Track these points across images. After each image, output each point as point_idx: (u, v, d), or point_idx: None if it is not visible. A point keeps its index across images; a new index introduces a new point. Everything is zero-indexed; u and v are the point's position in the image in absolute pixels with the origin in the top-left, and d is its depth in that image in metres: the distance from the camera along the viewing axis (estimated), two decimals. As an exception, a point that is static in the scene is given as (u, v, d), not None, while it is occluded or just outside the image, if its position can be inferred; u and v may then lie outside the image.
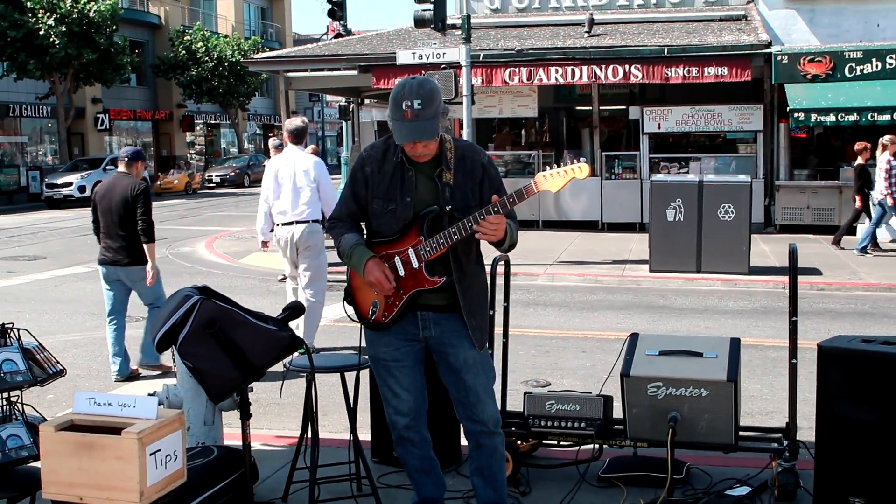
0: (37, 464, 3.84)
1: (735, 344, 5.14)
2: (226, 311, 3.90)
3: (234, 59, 42.86)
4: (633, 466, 5.29)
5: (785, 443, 5.03)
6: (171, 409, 3.74)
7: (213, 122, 51.33)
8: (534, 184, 4.03)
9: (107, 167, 32.86)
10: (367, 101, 25.13)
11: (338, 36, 25.49)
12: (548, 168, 4.08)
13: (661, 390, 5.00)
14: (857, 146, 16.11)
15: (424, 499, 4.46)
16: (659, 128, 19.92)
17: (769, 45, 18.58)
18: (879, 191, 15.43)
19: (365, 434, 5.67)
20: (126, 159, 8.48)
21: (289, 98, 22.77)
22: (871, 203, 15.83)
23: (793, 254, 5.06)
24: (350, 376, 5.07)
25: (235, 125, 50.08)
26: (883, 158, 15.36)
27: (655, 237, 14.37)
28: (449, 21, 16.17)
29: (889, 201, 15.23)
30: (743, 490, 4.95)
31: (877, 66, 17.97)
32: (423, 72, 18.84)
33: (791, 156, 19.55)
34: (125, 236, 8.14)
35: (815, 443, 4.87)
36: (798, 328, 5.11)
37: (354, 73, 20.69)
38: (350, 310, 4.36)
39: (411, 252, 4.13)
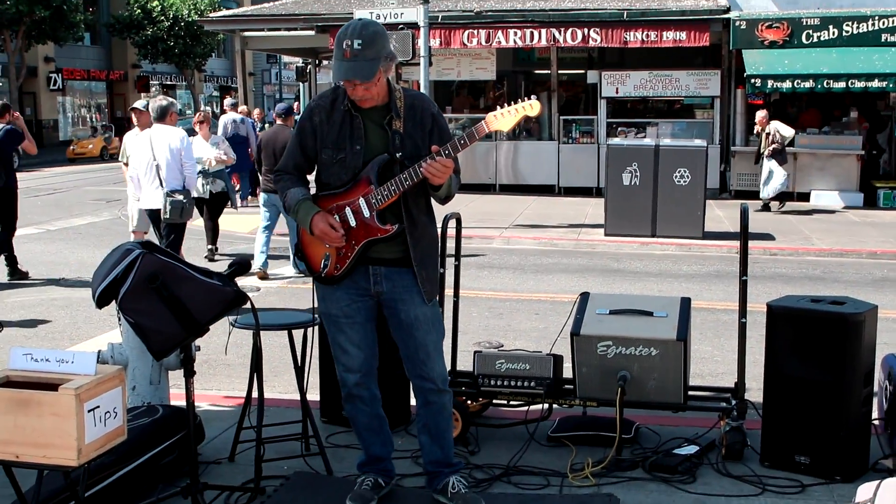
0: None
1: (685, 303, 5.14)
2: (168, 265, 3.80)
3: (190, 19, 42.06)
4: (582, 426, 5.29)
5: (733, 402, 5.05)
6: (111, 366, 3.65)
7: (168, 83, 50.51)
8: (485, 123, 3.99)
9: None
10: (324, 62, 24.82)
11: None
12: (498, 108, 4.02)
13: (611, 349, 5.00)
14: None
15: (372, 457, 4.42)
16: (617, 92, 19.89)
17: (728, 10, 18.57)
18: None
19: (314, 395, 5.63)
20: (282, 115, 11.52)
21: (245, 58, 22.44)
22: None
23: (744, 213, 5.09)
24: (298, 335, 5.01)
25: (192, 86, 49.33)
26: None
27: (611, 201, 14.39)
28: (407, -19, 15.96)
29: None
30: (691, 449, 4.97)
31: (833, 34, 18.02)
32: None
33: (747, 122, 19.62)
34: None
35: (763, 401, 4.92)
36: (749, 291, 5.12)
37: (312, 33, 20.42)
38: (301, 265, 4.30)
39: (362, 201, 4.07)
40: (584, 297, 5.30)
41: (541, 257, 13.24)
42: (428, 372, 4.22)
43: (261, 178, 11.71)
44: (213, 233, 12.62)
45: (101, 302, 3.79)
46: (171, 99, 9.92)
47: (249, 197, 18.25)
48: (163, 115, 9.38)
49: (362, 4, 19.68)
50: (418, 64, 15.58)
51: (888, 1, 18.98)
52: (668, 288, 10.90)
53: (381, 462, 4.44)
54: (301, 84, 26.22)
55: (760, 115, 17.08)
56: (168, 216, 9.08)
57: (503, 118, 3.98)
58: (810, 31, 18.15)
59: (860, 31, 17.95)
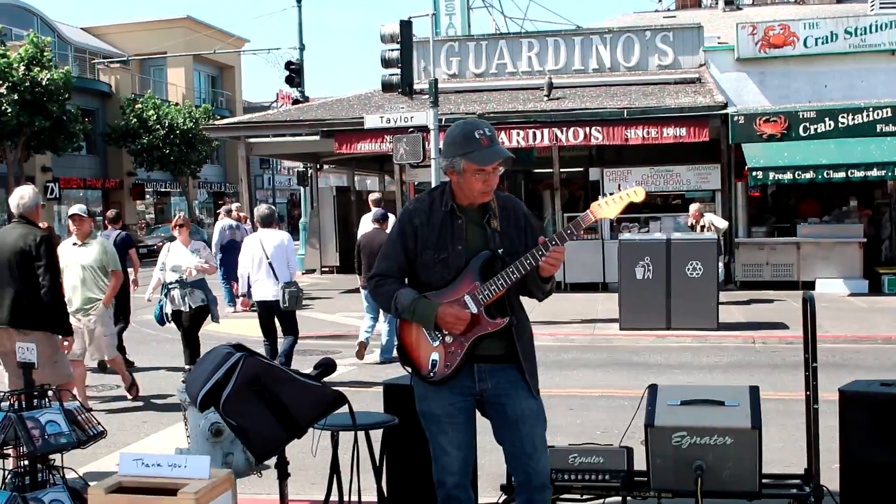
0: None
1: (755, 392, 5.20)
2: (270, 367, 3.86)
3: (185, 127, 42.72)
4: (653, 519, 5.29)
5: (807, 489, 5.06)
6: (223, 470, 3.66)
7: (163, 189, 50.96)
8: (590, 213, 4.12)
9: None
10: (325, 166, 25.17)
11: (295, 102, 25.69)
12: (601, 196, 4.16)
13: (686, 439, 5.02)
14: None
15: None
16: (619, 189, 20.14)
17: (725, 106, 19.03)
18: None
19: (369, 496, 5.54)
20: (379, 220, 12.52)
21: (249, 164, 22.74)
22: None
23: (811, 301, 5.18)
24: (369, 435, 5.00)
25: (186, 193, 49.78)
26: None
27: (625, 295, 14.49)
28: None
29: None
30: (770, 540, 4.96)
31: (829, 125, 18.46)
32: (383, 137, 19.01)
33: (748, 214, 19.91)
34: None
35: (840, 486, 4.94)
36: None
37: (316, 138, 20.76)
38: (408, 368, 4.34)
39: (468, 298, 4.16)
40: (653, 388, 5.35)
41: (559, 353, 13.26)
42: (535, 466, 4.24)
43: (360, 279, 12.55)
44: (191, 352, 10.99)
45: (203, 405, 3.82)
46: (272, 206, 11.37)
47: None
48: (269, 221, 10.87)
49: (366, 110, 20.14)
50: (429, 165, 15.84)
51: (877, 91, 19.58)
52: (693, 379, 10.92)
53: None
54: (302, 188, 26.47)
55: (694, 208, 17.08)
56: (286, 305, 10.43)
57: (608, 206, 4.11)
58: (807, 124, 18.58)
59: (855, 122, 18.40)
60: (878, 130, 18.25)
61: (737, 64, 21.16)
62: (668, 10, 32.50)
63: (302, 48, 26.87)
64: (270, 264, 10.50)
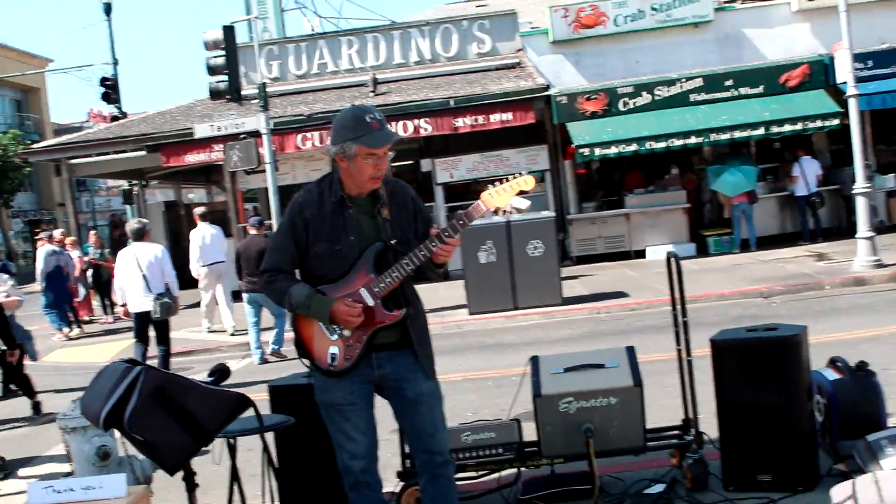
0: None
1: (631, 352, 5.45)
2: (171, 377, 3.80)
3: (-6, 156, 40.61)
4: (549, 484, 5.47)
5: (687, 437, 5.34)
6: (138, 486, 3.57)
7: (-27, 221, 48.31)
8: (482, 202, 4.20)
9: None
10: (152, 182, 24.47)
11: (114, 119, 24.88)
12: (490, 186, 4.25)
13: (573, 404, 5.22)
14: None
15: (379, 543, 4.45)
16: (451, 177, 20.52)
17: (547, 88, 19.59)
18: None
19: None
20: (256, 225, 13.19)
21: (73, 187, 21.88)
22: None
23: (676, 258, 5.43)
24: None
25: (0, 224, 47.34)
26: None
27: (471, 280, 14.74)
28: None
29: None
30: (659, 487, 5.23)
31: (647, 99, 19.31)
32: (211, 147, 18.66)
33: (578, 190, 20.58)
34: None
35: (719, 429, 5.24)
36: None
37: (142, 153, 20.19)
38: (307, 361, 4.33)
39: (364, 291, 4.19)
40: (535, 360, 5.53)
41: (416, 343, 13.36)
42: (436, 445, 4.33)
43: (241, 283, 13.03)
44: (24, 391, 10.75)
45: (108, 424, 3.71)
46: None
47: (75, 328, 17.82)
48: (141, 235, 11.17)
49: (192, 120, 19.76)
50: (264, 171, 15.67)
51: (686, 63, 20.53)
52: (551, 353, 11.22)
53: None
54: (128, 206, 25.63)
55: None
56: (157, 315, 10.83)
57: (499, 195, 4.20)
58: (626, 99, 19.38)
59: (670, 93, 19.33)
60: (691, 100, 19.23)
61: (552, 46, 21.73)
62: (480, 0, 33.03)
63: (115, 63, 26.01)
64: (144, 276, 10.88)
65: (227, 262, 15.48)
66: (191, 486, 4.01)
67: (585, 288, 16.15)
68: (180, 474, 4.02)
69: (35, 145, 25.48)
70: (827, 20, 20.00)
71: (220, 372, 4.24)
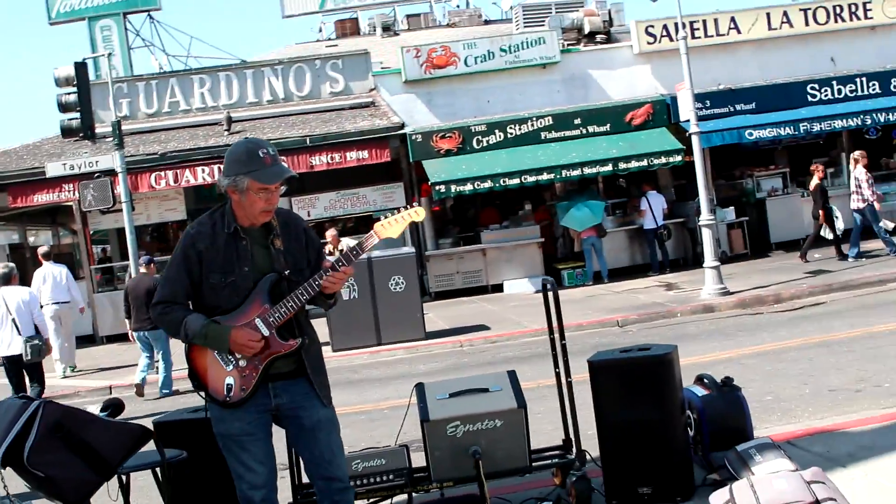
0: None
1: (513, 375, 5.64)
2: (70, 410, 3.74)
3: None
4: (437, 508, 5.57)
5: (569, 456, 5.55)
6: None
7: None
8: (374, 233, 4.29)
9: None
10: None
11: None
12: (383, 217, 4.35)
13: (460, 428, 5.35)
14: (813, 167, 17.91)
15: (279, 571, 4.45)
16: (308, 216, 20.48)
17: (402, 126, 19.87)
18: (862, 199, 16.89)
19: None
20: (146, 264, 13.42)
21: None
22: (833, 216, 17.44)
23: (552, 285, 5.65)
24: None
25: None
26: (860, 171, 16.93)
27: (333, 317, 14.69)
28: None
29: (876, 205, 16.82)
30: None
31: (500, 137, 19.86)
32: (62, 187, 18.12)
33: (434, 227, 20.89)
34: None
35: (600, 446, 5.47)
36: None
37: (-15, 193, 19.41)
38: (203, 393, 4.31)
39: (259, 321, 4.22)
40: (420, 386, 5.65)
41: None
42: (334, 471, 4.38)
43: (129, 322, 13.16)
44: None
45: (5, 461, 3.62)
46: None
47: None
48: (8, 279, 11.27)
49: (39, 159, 19.19)
50: (121, 210, 15.32)
51: (534, 102, 21.22)
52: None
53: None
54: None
55: (331, 234, 17.28)
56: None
57: (391, 226, 4.31)
58: (479, 137, 19.87)
59: (522, 131, 19.95)
60: (542, 138, 19.87)
61: (405, 86, 22.06)
62: (330, 38, 33.21)
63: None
64: (13, 320, 11.01)
65: (71, 303, 15.32)
66: (89, 521, 3.94)
67: (446, 322, 16.37)
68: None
69: None
70: (666, 62, 21.12)
71: (115, 406, 4.21)
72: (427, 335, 14.87)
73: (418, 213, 4.38)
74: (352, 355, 14.36)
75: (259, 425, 4.34)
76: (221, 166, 15.34)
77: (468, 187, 18.79)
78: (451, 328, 15.68)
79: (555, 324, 5.75)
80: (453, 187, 18.83)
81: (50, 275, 15.26)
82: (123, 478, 4.49)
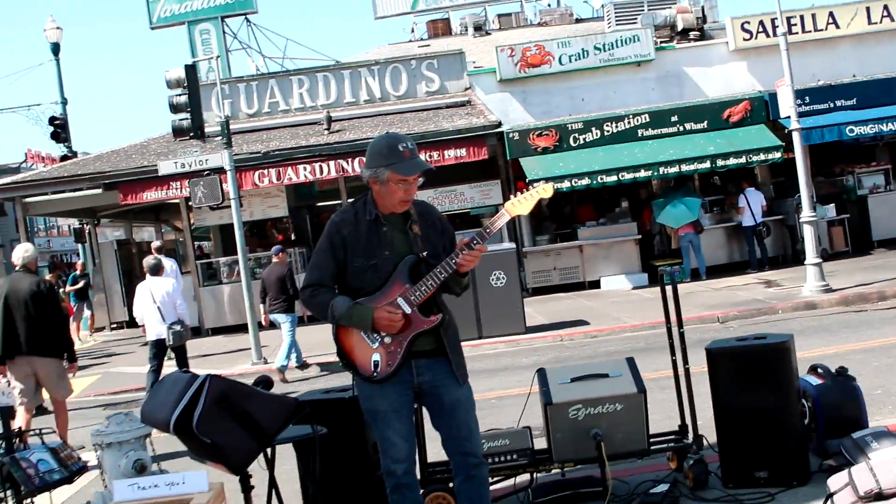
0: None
1: (631, 362, 5.83)
2: (234, 384, 4.07)
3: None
4: (560, 488, 5.79)
5: (687, 441, 5.73)
6: (216, 482, 3.81)
7: None
8: (505, 211, 4.56)
9: None
10: (103, 220, 24.40)
11: (64, 158, 24.81)
12: (512, 196, 4.61)
13: (581, 411, 5.57)
14: None
15: (417, 542, 4.74)
16: (528, 188, 20.73)
17: (499, 125, 20.11)
18: None
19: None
20: (278, 253, 14.77)
21: (28, 226, 21.78)
22: None
23: (671, 275, 5.82)
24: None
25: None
26: None
27: (436, 311, 15.03)
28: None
29: None
30: (663, 487, 5.59)
31: (596, 134, 19.96)
32: (169, 185, 18.79)
33: (531, 224, 21.08)
34: None
35: (717, 431, 5.63)
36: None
37: (97, 191, 20.21)
38: (351, 372, 4.63)
39: (401, 300, 4.50)
40: (542, 371, 5.87)
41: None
42: (471, 447, 4.65)
43: (263, 307, 14.53)
44: None
45: (177, 428, 3.96)
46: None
47: None
48: (156, 271, 12.51)
49: (147, 158, 19.88)
50: (229, 206, 15.85)
51: (628, 100, 21.27)
52: (525, 378, 11.59)
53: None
54: (80, 245, 25.51)
55: None
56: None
57: (521, 204, 4.58)
58: (576, 135, 19.99)
59: (618, 129, 19.99)
60: (639, 135, 19.90)
61: (500, 85, 22.28)
62: (422, 38, 33.62)
63: (64, 102, 26.00)
64: (159, 308, 12.21)
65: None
66: (247, 487, 4.26)
67: (545, 317, 16.54)
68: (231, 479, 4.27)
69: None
70: (762, 59, 20.99)
71: (265, 382, 4.51)
72: (527, 329, 15.08)
73: (546, 190, 4.64)
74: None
75: (403, 402, 4.63)
76: (322, 164, 15.92)
77: (566, 184, 18.93)
78: (550, 323, 15.86)
79: (672, 315, 5.89)
80: (551, 184, 18.95)
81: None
82: (268, 450, 4.80)
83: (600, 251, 20.18)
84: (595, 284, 20.02)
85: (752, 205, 19.45)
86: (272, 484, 4.86)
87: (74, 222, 25.48)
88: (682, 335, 5.83)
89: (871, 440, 5.34)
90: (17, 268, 9.48)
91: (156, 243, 19.11)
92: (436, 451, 6.46)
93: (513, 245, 15.93)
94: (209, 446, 3.94)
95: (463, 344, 4.91)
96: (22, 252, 9.62)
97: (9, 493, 3.64)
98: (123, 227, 28.54)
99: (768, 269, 19.30)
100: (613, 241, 20.14)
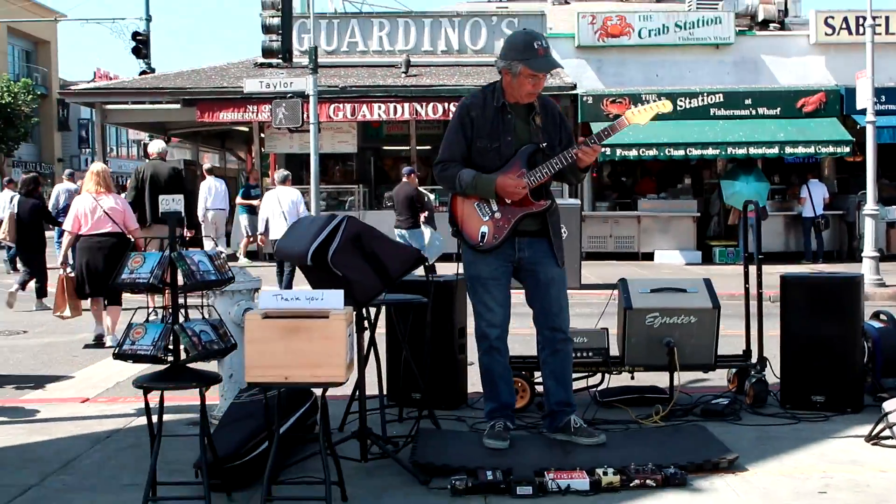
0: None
1: (709, 282, 6.21)
2: (367, 227, 4.52)
3: (2, 102, 40.86)
4: (625, 391, 6.21)
5: (752, 360, 6.12)
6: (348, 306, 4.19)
7: (-30, 168, 48.37)
8: (625, 118, 4.96)
9: None
10: (173, 139, 25.00)
11: (142, 73, 25.39)
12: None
13: (657, 320, 5.96)
14: None
15: (503, 404, 5.19)
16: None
17: (574, 87, 20.39)
18: None
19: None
20: (408, 174, 15.87)
21: (105, 132, 22.41)
22: None
23: (755, 205, 6.17)
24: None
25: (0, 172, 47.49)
26: None
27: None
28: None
29: None
30: (725, 400, 5.96)
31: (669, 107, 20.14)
32: (246, 107, 19.31)
33: (593, 189, 21.39)
34: None
35: (780, 355, 6.02)
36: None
37: (175, 107, 20.75)
38: (460, 238, 5.08)
39: None
40: (623, 282, 6.28)
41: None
42: (560, 323, 5.08)
43: (397, 220, 15.52)
44: None
45: (314, 259, 4.41)
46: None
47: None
48: (284, 180, 14.08)
49: (225, 79, 20.39)
50: (308, 130, 16.33)
51: (702, 81, 21.40)
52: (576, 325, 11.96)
53: (508, 408, 5.21)
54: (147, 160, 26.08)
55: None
56: None
57: (640, 114, 5.00)
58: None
59: (692, 105, 20.20)
60: (711, 114, 20.11)
61: (576, 51, 22.48)
62: (501, 0, 33.79)
63: (148, 19, 26.60)
64: (283, 213, 13.49)
65: (226, 210, 19.08)
66: (361, 326, 4.71)
67: (599, 279, 16.87)
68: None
69: (73, 86, 26.02)
70: (842, 55, 21.06)
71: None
72: (581, 286, 15.43)
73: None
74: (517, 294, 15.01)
75: (503, 272, 5.07)
76: (397, 105, 16.38)
77: (633, 153, 19.21)
78: (602, 283, 16.18)
79: (751, 244, 6.24)
80: (619, 151, 19.27)
81: (213, 187, 18.56)
82: (371, 311, 5.23)
83: (658, 224, 20.43)
84: (648, 257, 20.30)
85: (814, 196, 19.60)
86: (372, 341, 5.31)
87: (145, 138, 26.03)
88: (760, 261, 6.18)
89: (926, 379, 5.69)
90: (153, 157, 12.08)
91: (207, 165, 20.43)
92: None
93: (578, 201, 16.24)
94: (339, 279, 4.38)
95: (519, 291, 5.28)
96: (157, 146, 12.40)
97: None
98: (190, 150, 29.18)
99: (822, 263, 19.46)
100: (672, 215, 20.38)
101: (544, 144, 5.05)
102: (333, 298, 4.03)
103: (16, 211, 13.06)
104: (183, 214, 4.55)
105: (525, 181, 4.94)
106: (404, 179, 15.91)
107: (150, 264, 3.97)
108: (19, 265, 14.36)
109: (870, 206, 15.80)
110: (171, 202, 4.26)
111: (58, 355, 9.45)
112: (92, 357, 9.19)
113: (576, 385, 6.19)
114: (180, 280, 4.00)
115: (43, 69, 52.01)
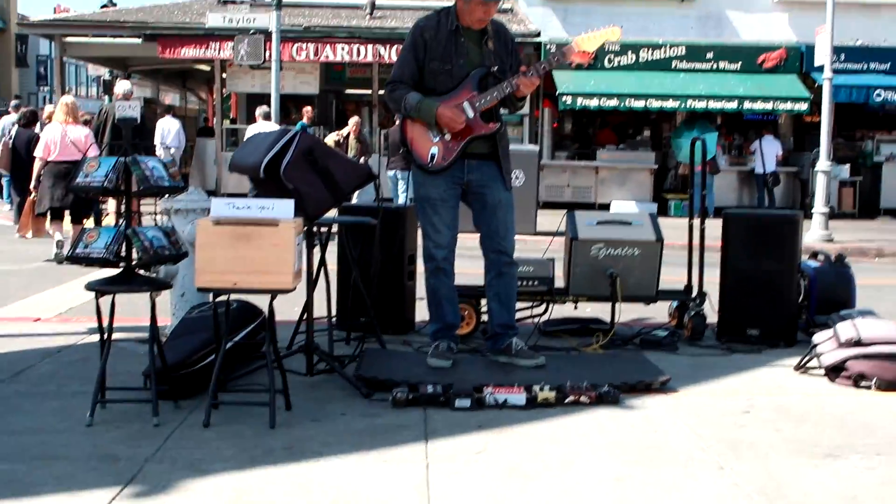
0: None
1: (653, 215, 6.39)
2: (319, 142, 4.64)
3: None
4: (567, 322, 6.39)
5: (692, 295, 6.31)
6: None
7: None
8: (574, 44, 5.07)
9: None
10: (133, 76, 24.72)
11: (104, 7, 25.04)
12: (583, 33, 5.11)
13: (602, 251, 6.13)
14: None
15: (447, 325, 5.35)
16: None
17: (538, 34, 20.42)
18: None
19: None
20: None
21: (64, 66, 22.12)
22: None
23: (702, 143, 6.33)
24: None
25: (-47, 106, 46.59)
26: None
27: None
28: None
29: None
30: (664, 332, 6.17)
31: (631, 59, 20.29)
32: (208, 44, 19.16)
33: (553, 139, 21.50)
34: None
35: (720, 289, 6.21)
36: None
37: (136, 41, 20.52)
38: (410, 159, 5.20)
39: (466, 104, 5.04)
40: (571, 213, 6.45)
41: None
42: (506, 246, 5.24)
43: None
44: None
45: (266, 171, 4.50)
46: None
47: None
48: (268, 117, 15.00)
49: (190, 15, 20.15)
50: (269, 68, 16.25)
51: (666, 34, 21.44)
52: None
53: (453, 329, 5.36)
54: (108, 96, 25.81)
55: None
56: None
57: (589, 41, 5.12)
58: (612, 56, 20.33)
59: (654, 57, 20.33)
60: (672, 66, 20.25)
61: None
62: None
63: (111, -49, 26.20)
64: None
65: (180, 147, 18.70)
66: (311, 243, 4.82)
67: (554, 226, 16.91)
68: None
69: (32, 19, 25.57)
70: (805, 13, 21.05)
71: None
72: (536, 232, 15.58)
73: (615, 33, 5.15)
74: (464, 238, 15.15)
75: (451, 194, 5.20)
76: (360, 46, 16.54)
77: (594, 102, 19.30)
78: (556, 230, 16.35)
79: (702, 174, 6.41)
80: (580, 100, 19.35)
81: (167, 127, 18.36)
82: (324, 231, 5.34)
83: (615, 176, 20.59)
84: (605, 207, 20.38)
85: (766, 152, 19.75)
86: (322, 261, 5.42)
87: (105, 74, 25.73)
88: (703, 197, 6.36)
89: (856, 315, 5.89)
90: (118, 98, 11.80)
91: (166, 103, 20.20)
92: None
93: (536, 147, 16.36)
94: (291, 192, 4.47)
95: (470, 234, 5.41)
96: (123, 87, 12.31)
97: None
98: (151, 88, 28.88)
99: (774, 217, 19.76)
100: (630, 167, 20.55)
101: (495, 68, 5.15)
102: (284, 208, 4.14)
103: (11, 141, 13.15)
104: (139, 122, 4.60)
105: (465, 113, 5.03)
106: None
107: (104, 168, 4.05)
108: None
109: (822, 163, 16.04)
110: (128, 108, 4.31)
111: (14, 280, 9.49)
112: (47, 284, 9.24)
113: (520, 315, 6.37)
114: (134, 185, 4.09)
115: (1, 3, 50.80)
